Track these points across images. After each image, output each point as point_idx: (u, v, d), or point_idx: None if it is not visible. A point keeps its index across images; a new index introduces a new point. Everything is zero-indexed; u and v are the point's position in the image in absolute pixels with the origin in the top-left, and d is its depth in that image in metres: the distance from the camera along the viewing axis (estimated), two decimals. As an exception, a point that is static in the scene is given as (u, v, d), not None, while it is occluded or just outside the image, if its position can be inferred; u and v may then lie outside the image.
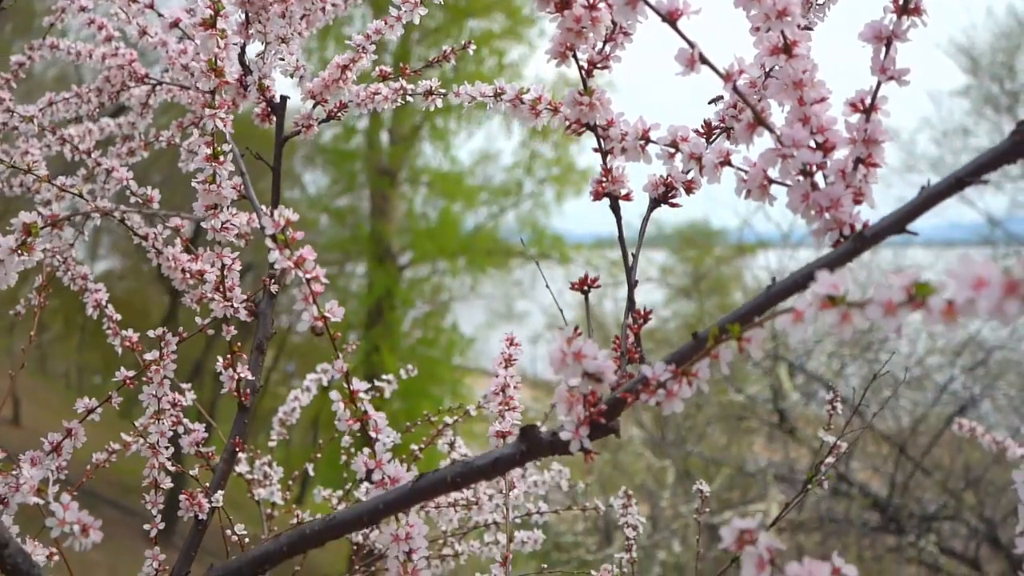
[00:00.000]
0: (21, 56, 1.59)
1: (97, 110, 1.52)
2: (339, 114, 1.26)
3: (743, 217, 8.92)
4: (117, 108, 1.76)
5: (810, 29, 0.86)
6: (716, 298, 9.86)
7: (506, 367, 1.06)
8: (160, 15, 1.27)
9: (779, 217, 8.52)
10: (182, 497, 1.12)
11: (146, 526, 1.14)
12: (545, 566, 1.55)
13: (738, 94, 0.72)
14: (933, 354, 7.53)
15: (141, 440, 1.18)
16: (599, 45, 0.83)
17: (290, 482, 1.67)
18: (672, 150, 0.83)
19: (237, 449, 1.18)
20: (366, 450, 0.82)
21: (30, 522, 0.94)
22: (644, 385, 0.67)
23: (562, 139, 10.34)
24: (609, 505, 1.57)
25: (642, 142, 0.84)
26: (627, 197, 0.86)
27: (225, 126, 0.98)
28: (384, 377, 1.72)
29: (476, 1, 10.32)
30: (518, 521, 1.57)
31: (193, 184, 1.02)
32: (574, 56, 0.82)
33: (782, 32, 0.72)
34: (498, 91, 1.03)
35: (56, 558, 1.12)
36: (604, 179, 0.86)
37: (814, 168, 0.70)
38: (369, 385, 0.85)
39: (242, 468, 1.53)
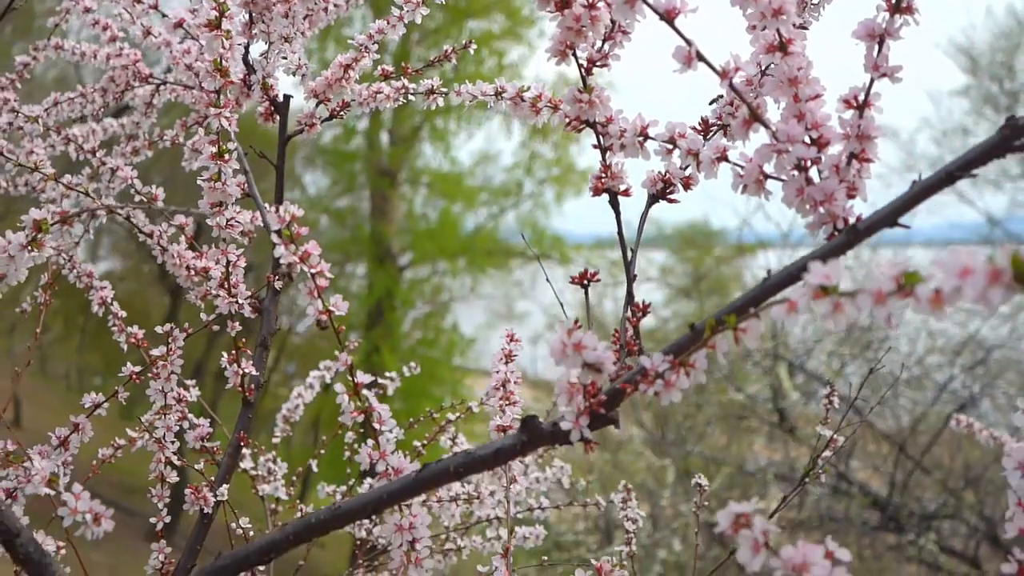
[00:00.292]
0: (26, 57, 1.61)
1: (101, 110, 1.54)
2: (341, 113, 1.27)
3: (743, 217, 8.94)
4: (119, 108, 1.77)
5: (805, 28, 0.88)
6: (716, 298, 9.87)
7: (506, 363, 1.08)
8: (164, 15, 1.29)
9: (779, 217, 8.54)
10: (187, 491, 1.14)
11: (152, 519, 1.15)
12: (546, 558, 1.56)
13: (734, 91, 0.73)
14: (933, 353, 7.54)
15: (146, 435, 1.20)
16: (598, 44, 0.85)
17: (294, 478, 1.69)
18: (670, 146, 0.85)
19: (242, 444, 1.19)
20: (370, 441, 0.84)
21: (36, 518, 0.96)
22: (643, 375, 0.68)
23: (562, 139, 10.37)
24: (610, 501, 1.59)
25: (640, 139, 0.86)
26: (626, 193, 0.88)
27: (230, 125, 1.00)
28: (387, 374, 1.73)
29: (476, 2, 10.35)
30: (520, 516, 1.59)
31: (199, 182, 1.03)
32: (574, 55, 0.83)
33: (778, 30, 0.73)
34: (499, 90, 1.05)
35: (63, 552, 1.14)
36: (603, 175, 0.88)
37: (809, 163, 0.72)
38: (373, 378, 0.87)
39: (246, 464, 1.54)
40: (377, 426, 0.85)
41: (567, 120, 0.87)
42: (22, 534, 0.78)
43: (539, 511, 1.60)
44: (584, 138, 0.90)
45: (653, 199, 0.88)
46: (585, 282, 0.89)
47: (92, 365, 13.04)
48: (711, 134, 0.86)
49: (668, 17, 0.72)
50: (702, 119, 0.87)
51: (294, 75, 1.27)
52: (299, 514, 1.53)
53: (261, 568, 1.42)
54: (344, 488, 1.66)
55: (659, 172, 0.87)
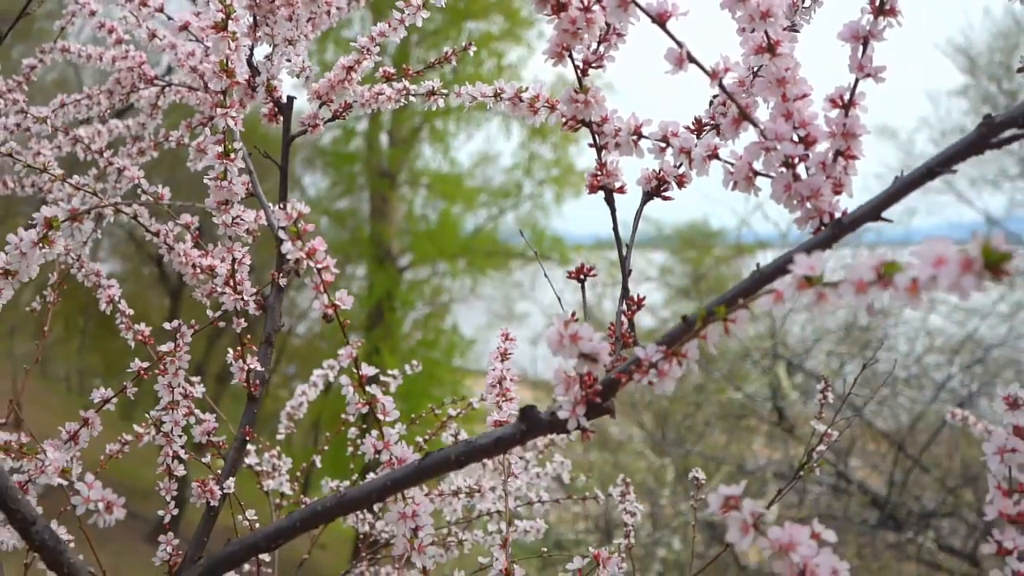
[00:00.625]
0: (32, 59, 1.64)
1: (107, 111, 1.57)
2: (344, 114, 1.30)
3: (742, 217, 8.97)
4: (120, 109, 1.80)
5: (796, 30, 0.91)
6: (715, 298, 9.86)
7: (502, 360, 1.11)
8: (170, 18, 1.31)
9: (777, 217, 8.57)
10: (194, 484, 1.16)
11: (159, 512, 1.18)
12: (545, 549, 1.59)
13: (723, 91, 0.76)
14: (931, 352, 7.57)
15: (152, 431, 1.22)
16: (594, 45, 0.88)
17: (297, 474, 1.71)
18: (663, 145, 0.88)
19: (247, 438, 1.22)
20: (374, 432, 0.86)
21: (45, 514, 0.98)
22: (637, 365, 0.71)
23: (561, 140, 10.40)
24: (608, 494, 1.61)
25: (635, 137, 0.89)
26: (621, 190, 0.91)
27: (236, 125, 1.03)
28: (389, 372, 1.76)
29: (475, 3, 10.38)
30: (520, 510, 1.61)
31: (205, 180, 1.06)
32: (570, 56, 0.86)
33: (766, 32, 0.76)
34: (498, 91, 1.08)
35: (71, 546, 1.16)
36: (599, 173, 0.90)
37: (796, 160, 0.75)
38: (377, 370, 0.89)
39: (250, 460, 1.57)
40: (381, 417, 0.88)
41: (564, 120, 0.90)
42: (37, 522, 0.81)
43: (539, 505, 1.62)
44: (583, 139, 0.93)
45: (648, 196, 0.91)
46: (582, 276, 0.92)
47: (92, 367, 13.06)
48: (704, 133, 0.88)
49: (660, 20, 0.75)
50: (695, 118, 0.90)
51: (298, 78, 1.30)
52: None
53: (268, 571, 1.45)
54: (347, 483, 1.69)
55: (653, 170, 0.90)
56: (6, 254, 0.92)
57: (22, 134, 1.52)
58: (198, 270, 1.24)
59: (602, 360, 0.71)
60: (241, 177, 1.08)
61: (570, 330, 0.71)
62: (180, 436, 1.19)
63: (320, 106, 1.30)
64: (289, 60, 1.24)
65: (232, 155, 1.04)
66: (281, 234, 0.83)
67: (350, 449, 1.68)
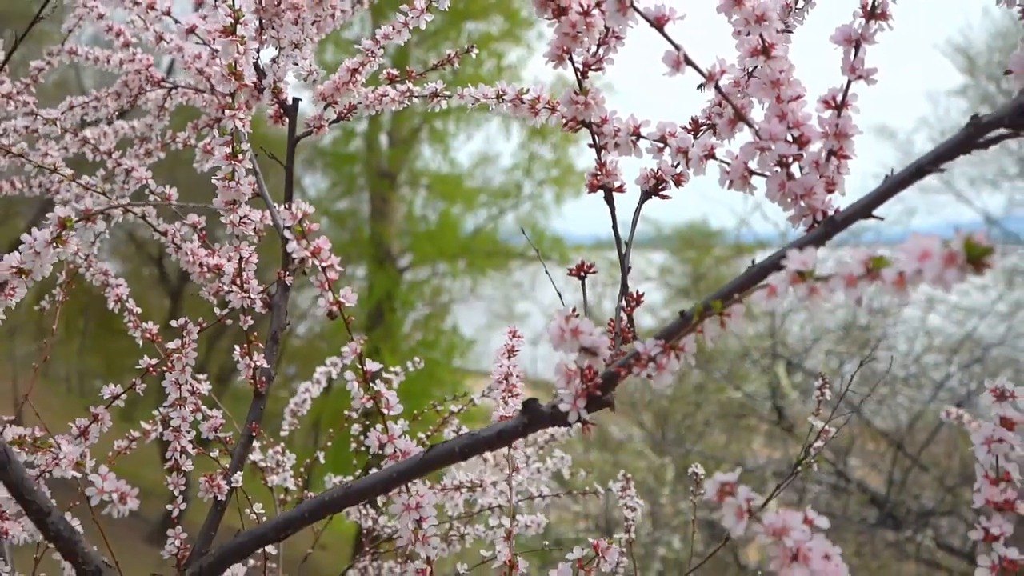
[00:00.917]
0: (40, 62, 1.66)
1: (114, 113, 1.59)
2: (348, 115, 1.32)
3: (741, 217, 8.99)
4: (122, 110, 1.82)
5: (789, 31, 0.93)
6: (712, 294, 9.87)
7: (509, 357, 1.13)
8: (177, 21, 1.33)
9: (776, 217, 8.58)
10: (202, 479, 1.18)
11: (168, 506, 1.20)
12: (547, 542, 1.61)
13: (720, 92, 0.78)
14: (930, 352, 7.59)
15: (159, 427, 1.25)
16: (593, 48, 0.90)
17: (301, 469, 1.73)
18: (661, 145, 0.90)
19: (253, 434, 1.24)
20: (379, 425, 0.89)
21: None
22: (636, 359, 0.73)
23: (561, 140, 10.42)
24: (608, 489, 1.64)
25: (633, 138, 0.91)
26: (620, 189, 0.93)
27: (244, 126, 1.05)
28: (392, 369, 1.78)
29: (474, 4, 10.40)
30: (521, 504, 1.63)
31: (213, 181, 1.08)
32: (570, 59, 0.88)
33: (761, 35, 0.78)
34: (500, 92, 1.10)
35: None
36: (599, 172, 0.93)
37: (790, 160, 0.77)
38: (381, 366, 0.92)
39: (255, 456, 1.59)
40: (385, 411, 0.90)
41: (564, 121, 0.92)
42: (52, 513, 0.83)
43: (540, 499, 1.64)
44: (583, 139, 0.95)
45: (646, 195, 0.93)
46: (582, 273, 0.94)
47: (93, 368, 13.07)
48: (701, 133, 0.91)
49: (658, 24, 0.77)
50: (692, 119, 0.92)
51: (305, 81, 1.32)
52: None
53: (272, 566, 1.47)
54: (351, 479, 1.71)
55: (651, 169, 0.92)
56: (20, 253, 0.94)
57: (29, 135, 1.54)
58: (205, 269, 1.26)
59: (602, 354, 0.74)
60: (248, 177, 1.10)
61: (571, 325, 0.73)
62: (188, 431, 1.21)
63: (325, 107, 1.32)
64: (296, 64, 1.26)
65: (240, 156, 1.07)
66: (287, 233, 0.86)
67: (352, 446, 1.70)
